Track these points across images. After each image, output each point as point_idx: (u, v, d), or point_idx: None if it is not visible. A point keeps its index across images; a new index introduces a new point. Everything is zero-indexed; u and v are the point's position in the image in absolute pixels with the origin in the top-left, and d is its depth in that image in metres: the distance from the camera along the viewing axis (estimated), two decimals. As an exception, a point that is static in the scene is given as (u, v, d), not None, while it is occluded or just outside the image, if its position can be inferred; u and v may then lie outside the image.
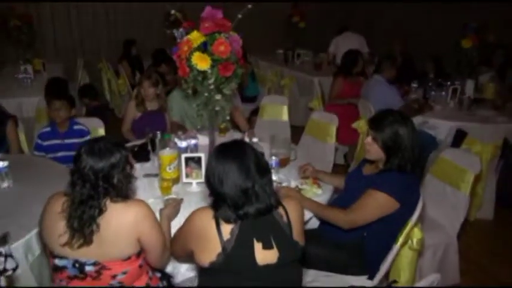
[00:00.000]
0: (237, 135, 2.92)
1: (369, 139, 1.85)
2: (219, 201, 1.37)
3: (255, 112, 4.04)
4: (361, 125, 3.65)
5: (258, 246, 1.34)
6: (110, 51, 6.49)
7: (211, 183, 1.39)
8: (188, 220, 1.45)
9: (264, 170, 1.39)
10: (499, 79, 4.57)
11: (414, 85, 4.30)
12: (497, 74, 4.60)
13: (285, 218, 1.40)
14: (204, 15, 1.95)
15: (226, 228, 1.34)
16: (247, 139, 2.48)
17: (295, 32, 6.36)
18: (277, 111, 3.73)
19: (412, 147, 1.79)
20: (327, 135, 3.19)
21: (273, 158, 2.25)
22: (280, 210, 1.41)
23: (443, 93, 4.04)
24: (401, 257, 2.02)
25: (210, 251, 1.34)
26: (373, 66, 4.52)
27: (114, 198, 1.46)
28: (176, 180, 2.15)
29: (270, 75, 5.86)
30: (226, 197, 1.34)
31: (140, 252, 1.54)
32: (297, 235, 1.41)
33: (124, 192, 1.50)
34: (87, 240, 1.42)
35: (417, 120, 3.67)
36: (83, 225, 1.41)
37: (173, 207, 1.85)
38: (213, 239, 1.34)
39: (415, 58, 5.51)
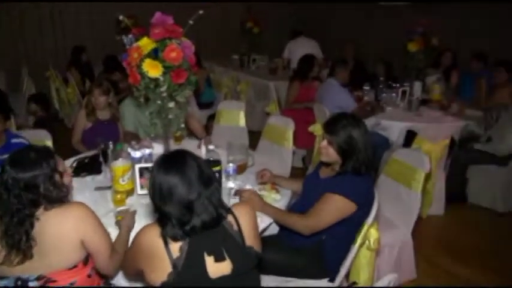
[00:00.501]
0: (193, 143, 2.87)
1: (324, 143, 1.87)
2: (164, 218, 1.31)
3: (213, 117, 4.00)
4: (317, 128, 3.71)
5: (209, 260, 1.30)
6: (57, 58, 6.21)
7: (154, 200, 1.33)
8: (135, 240, 1.38)
9: (208, 180, 1.33)
10: (445, 80, 4.82)
11: (366, 88, 4.43)
12: (443, 76, 4.85)
13: (235, 226, 1.36)
14: (154, 21, 1.89)
15: (175, 246, 1.29)
16: (203, 146, 2.44)
17: (250, 38, 6.39)
18: (233, 117, 3.70)
19: (366, 149, 1.83)
20: (284, 139, 3.21)
21: (230, 164, 2.22)
22: (230, 218, 1.37)
23: (394, 94, 4.20)
24: (359, 257, 2.06)
25: (161, 271, 1.28)
26: (327, 71, 4.62)
27: (47, 206, 1.40)
28: (130, 192, 2.07)
29: (226, 80, 5.85)
30: (171, 215, 1.29)
31: (87, 260, 1.48)
32: (250, 240, 1.37)
33: (57, 200, 1.43)
34: (27, 255, 1.35)
35: (370, 122, 3.79)
36: (18, 241, 1.34)
37: (131, 217, 1.78)
38: (163, 258, 1.28)
39: (366, 62, 5.71)
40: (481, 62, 4.65)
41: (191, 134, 3.27)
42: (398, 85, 4.34)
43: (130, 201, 2.02)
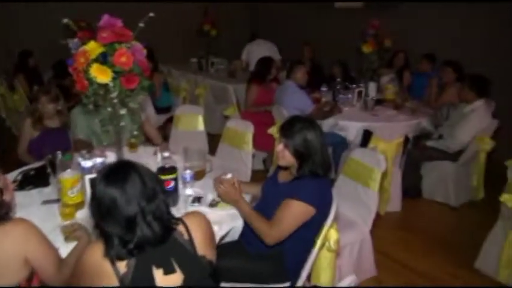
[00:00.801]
0: (149, 150, 2.77)
1: (280, 146, 1.86)
2: (105, 236, 1.24)
3: (171, 120, 3.90)
4: (275, 130, 3.71)
5: (158, 273, 1.24)
6: (2, 63, 5.86)
7: (94, 215, 1.25)
8: (80, 260, 1.30)
9: (152, 194, 1.25)
10: (398, 80, 4.98)
11: (324, 89, 4.50)
12: (396, 76, 5.01)
13: (185, 235, 1.31)
14: (102, 24, 1.81)
15: (122, 263, 1.22)
16: (159, 153, 2.37)
17: (208, 40, 6.33)
18: (192, 122, 3.64)
19: (322, 152, 1.83)
20: (243, 142, 3.18)
21: (187, 171, 2.16)
22: (180, 227, 1.32)
23: (350, 95, 4.28)
24: (320, 259, 2.06)
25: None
26: (285, 72, 4.64)
27: None
28: (80, 205, 1.96)
29: (184, 84, 5.76)
30: (112, 234, 1.22)
31: (31, 278, 1.40)
32: (203, 250, 1.32)
33: None
34: None
35: (328, 122, 3.85)
36: None
37: (82, 228, 1.69)
38: (110, 276, 1.21)
39: (323, 63, 5.81)
40: (431, 62, 4.83)
41: (148, 140, 3.17)
42: (354, 86, 4.45)
43: (81, 215, 1.91)
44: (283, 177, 1.98)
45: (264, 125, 3.92)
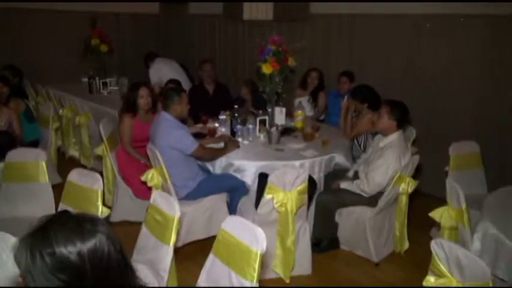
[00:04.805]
0: None
1: None
2: None
3: None
4: (150, 177, 2.85)
5: None
6: None
7: None
8: None
9: None
10: (313, 103, 4.32)
11: (222, 117, 3.70)
12: (311, 98, 4.35)
13: None
14: None
15: None
16: None
17: (98, 57, 5.31)
18: (30, 171, 2.69)
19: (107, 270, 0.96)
20: (90, 203, 2.28)
21: None
22: None
23: (250, 126, 3.48)
24: None
25: None
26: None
27: None
28: None
29: (65, 110, 4.74)
30: None
31: None
32: None
33: None
34: None
35: (221, 163, 3.05)
36: None
37: None
38: None
39: (237, 84, 5.06)
40: (351, 81, 4.19)
41: None
42: (260, 112, 3.70)
43: None
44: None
45: (142, 167, 3.09)
